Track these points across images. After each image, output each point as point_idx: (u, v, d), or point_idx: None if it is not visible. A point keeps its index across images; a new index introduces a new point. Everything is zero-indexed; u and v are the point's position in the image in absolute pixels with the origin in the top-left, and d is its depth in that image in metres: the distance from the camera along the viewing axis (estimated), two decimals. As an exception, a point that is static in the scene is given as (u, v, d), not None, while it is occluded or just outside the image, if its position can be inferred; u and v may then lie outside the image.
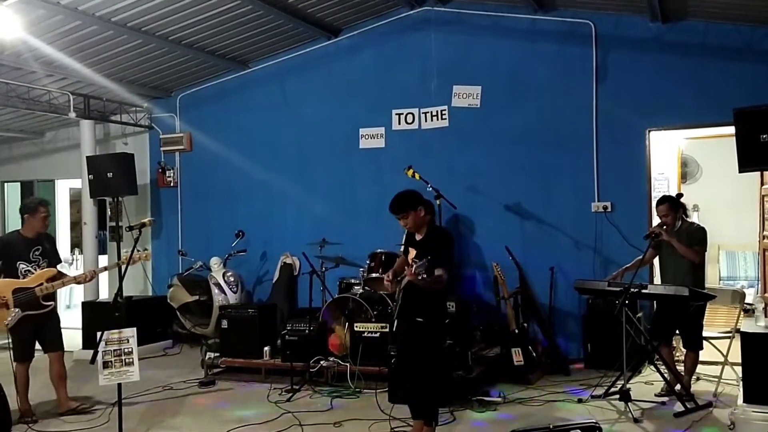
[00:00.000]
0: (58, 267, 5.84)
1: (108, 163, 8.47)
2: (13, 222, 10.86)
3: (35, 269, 5.59)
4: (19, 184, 10.88)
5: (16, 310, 5.41)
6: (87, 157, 8.68)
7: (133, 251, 4.92)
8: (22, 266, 5.57)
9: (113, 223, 9.19)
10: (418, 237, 4.83)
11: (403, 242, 5.03)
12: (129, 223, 7.30)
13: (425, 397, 4.82)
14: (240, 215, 8.85)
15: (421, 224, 4.80)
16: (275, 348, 7.02)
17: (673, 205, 5.80)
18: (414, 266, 4.55)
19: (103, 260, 9.60)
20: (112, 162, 8.48)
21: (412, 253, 4.83)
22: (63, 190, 10.94)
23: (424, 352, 4.77)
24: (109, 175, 8.31)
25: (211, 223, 9.10)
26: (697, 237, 5.74)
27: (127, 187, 8.45)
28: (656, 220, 6.17)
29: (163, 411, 5.93)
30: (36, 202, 5.80)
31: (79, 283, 5.74)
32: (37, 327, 5.61)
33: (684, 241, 5.72)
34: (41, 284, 5.53)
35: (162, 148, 9.31)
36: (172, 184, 9.35)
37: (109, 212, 9.64)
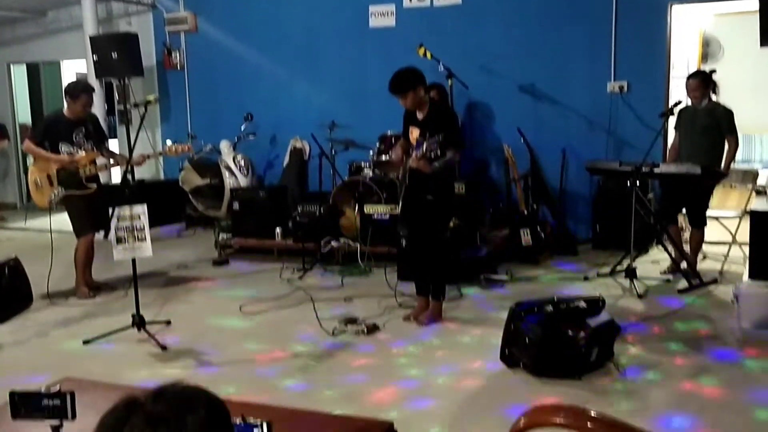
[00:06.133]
0: (107, 145, 5.96)
1: (112, 43, 8.29)
2: (22, 104, 10.83)
3: (78, 151, 5.61)
4: (25, 66, 10.75)
5: (59, 188, 5.54)
6: (90, 37, 8.49)
7: (140, 129, 4.87)
8: (64, 148, 5.58)
9: (121, 107, 9.12)
10: (419, 115, 4.74)
11: (402, 122, 4.93)
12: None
13: (434, 273, 4.92)
14: (248, 97, 8.72)
15: (421, 103, 4.70)
16: (286, 229, 7.10)
17: (704, 81, 5.65)
18: (425, 144, 4.51)
19: (113, 144, 9.58)
20: (115, 42, 8.30)
21: (414, 132, 4.76)
22: (69, 73, 10.79)
23: (432, 229, 4.81)
24: (114, 55, 8.16)
25: (219, 105, 8.99)
26: (726, 122, 5.60)
27: (132, 68, 8.31)
28: (673, 101, 6.02)
29: (178, 288, 6.10)
30: (79, 89, 5.66)
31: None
32: (87, 205, 5.68)
33: (703, 121, 5.62)
34: (85, 165, 5.60)
35: (167, 28, 9.06)
36: (178, 67, 9.18)
37: (116, 96, 9.53)
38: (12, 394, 1.97)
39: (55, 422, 1.97)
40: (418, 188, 4.73)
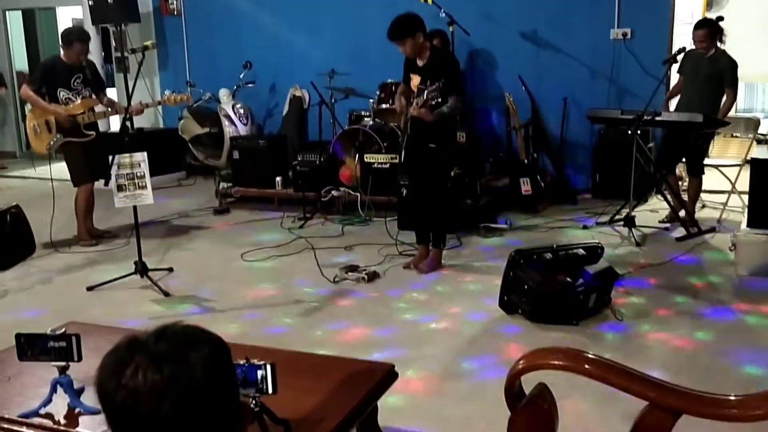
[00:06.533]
0: (105, 92, 5.91)
1: (107, -14, 8.12)
2: (19, 51, 10.69)
3: (76, 97, 5.56)
4: (20, 12, 10.57)
5: (58, 135, 5.50)
6: (85, -19, 8.33)
7: (137, 75, 4.81)
8: (62, 93, 5.53)
9: (118, 54, 8.99)
10: (420, 62, 4.68)
11: (403, 69, 4.87)
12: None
13: (435, 221, 4.94)
14: (247, 45, 8.59)
15: (422, 50, 4.64)
16: (287, 179, 7.09)
17: (712, 31, 5.54)
18: (425, 92, 4.47)
19: (111, 92, 9.49)
20: (111, -14, 8.13)
21: (415, 79, 4.71)
22: (65, 18, 10.61)
23: (434, 177, 4.81)
24: (109, 0, 8.02)
25: (217, 53, 8.86)
26: (729, 73, 5.52)
27: (128, 14, 8.17)
28: (676, 48, 5.94)
29: (179, 236, 6.13)
30: (72, 37, 5.57)
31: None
32: (85, 153, 5.65)
33: (707, 70, 5.55)
34: (84, 112, 5.54)
35: (162, -29, 8.88)
36: (175, 13, 9.02)
37: (113, 43, 9.39)
38: (18, 336, 2.01)
39: (61, 364, 2.01)
40: (420, 137, 4.71)
